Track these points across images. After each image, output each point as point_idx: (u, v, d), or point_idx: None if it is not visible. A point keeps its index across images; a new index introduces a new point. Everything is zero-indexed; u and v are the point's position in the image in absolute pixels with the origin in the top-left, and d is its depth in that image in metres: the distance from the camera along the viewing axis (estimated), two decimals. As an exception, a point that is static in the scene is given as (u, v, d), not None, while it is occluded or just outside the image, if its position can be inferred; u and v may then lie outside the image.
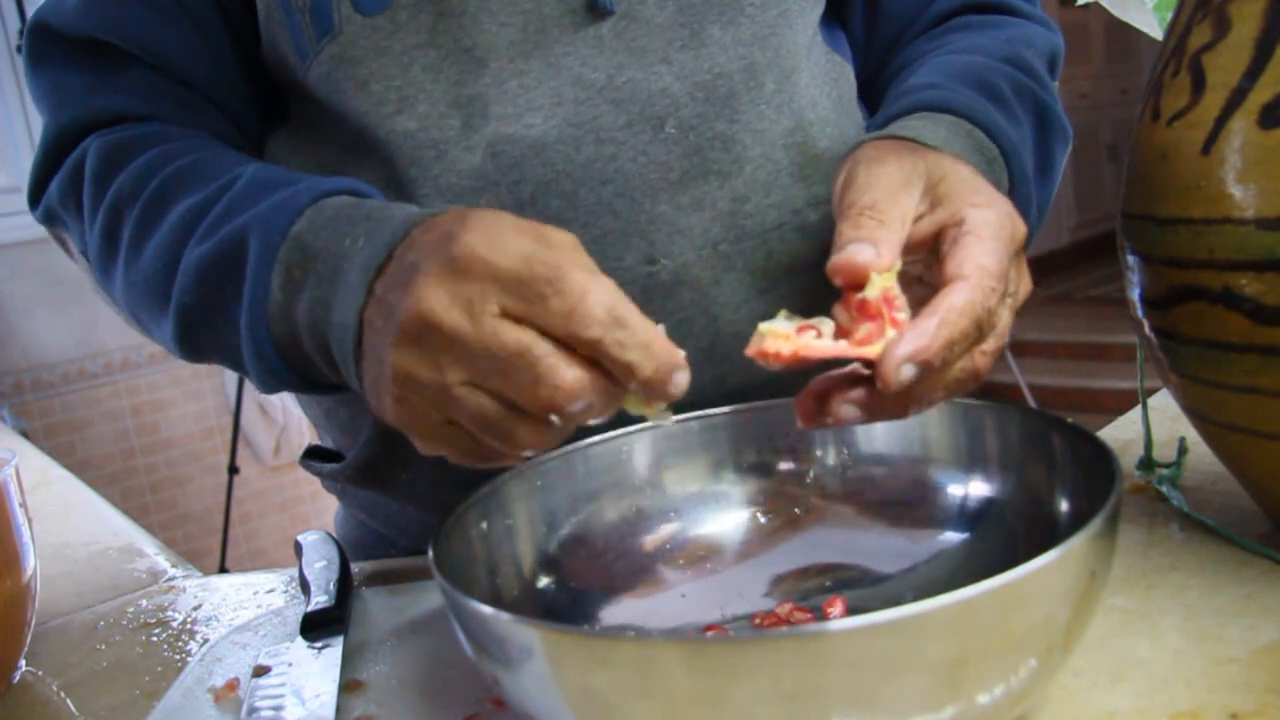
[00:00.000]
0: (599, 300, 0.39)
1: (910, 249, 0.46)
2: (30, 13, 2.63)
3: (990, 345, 0.44)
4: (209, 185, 0.57)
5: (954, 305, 0.41)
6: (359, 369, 0.47)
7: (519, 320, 0.40)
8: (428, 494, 0.67)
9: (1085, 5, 0.89)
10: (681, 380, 0.41)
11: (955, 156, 0.49)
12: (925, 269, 0.47)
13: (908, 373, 0.40)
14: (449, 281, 0.41)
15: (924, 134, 0.52)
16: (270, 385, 0.55)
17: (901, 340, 0.40)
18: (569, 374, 0.39)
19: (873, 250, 0.43)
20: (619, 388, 0.41)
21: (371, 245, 0.47)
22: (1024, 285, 0.47)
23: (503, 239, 0.41)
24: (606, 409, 0.41)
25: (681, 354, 0.41)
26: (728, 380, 0.62)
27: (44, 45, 0.64)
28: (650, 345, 0.40)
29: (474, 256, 0.41)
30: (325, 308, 0.49)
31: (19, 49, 2.68)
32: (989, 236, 0.44)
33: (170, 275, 0.56)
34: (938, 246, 0.45)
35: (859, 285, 0.43)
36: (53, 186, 0.64)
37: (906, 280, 0.47)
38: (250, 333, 0.52)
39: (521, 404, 0.40)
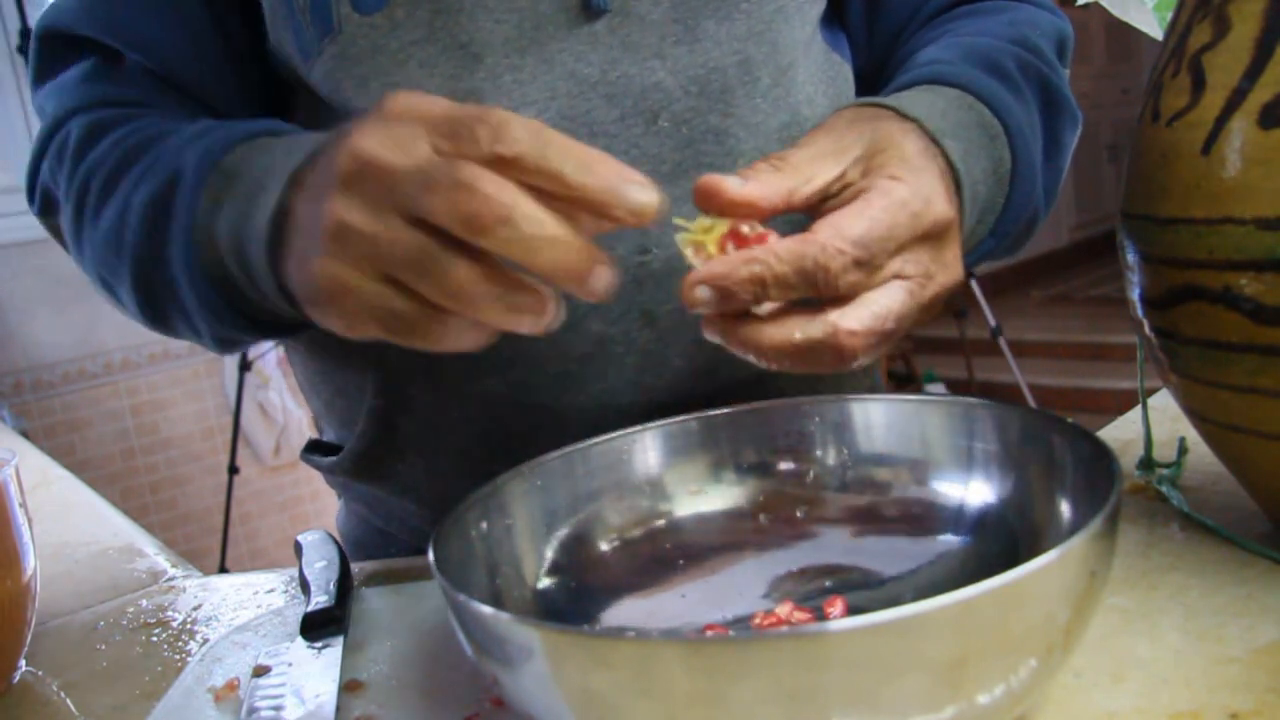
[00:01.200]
0: (522, 121, 0.39)
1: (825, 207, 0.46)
2: (31, 12, 2.65)
3: (855, 325, 0.43)
4: (161, 143, 0.58)
5: (776, 247, 0.42)
6: (278, 268, 0.47)
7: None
8: (425, 487, 0.68)
9: (1085, 5, 0.89)
10: (638, 195, 0.40)
11: (915, 131, 0.49)
12: None
13: (703, 294, 0.41)
14: (381, 126, 0.41)
15: (908, 104, 0.51)
16: (213, 324, 0.56)
17: (710, 262, 0.41)
18: (490, 183, 0.38)
19: (739, 183, 0.43)
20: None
21: (297, 153, 0.48)
22: (944, 275, 0.46)
23: (428, 97, 0.41)
24: (556, 241, 0.39)
25: (634, 178, 0.40)
26: (719, 372, 0.62)
27: (48, 50, 0.66)
28: (584, 161, 0.39)
29: (404, 107, 0.41)
30: (245, 218, 0.50)
31: (19, 49, 2.68)
32: (878, 206, 0.43)
33: (122, 230, 0.58)
34: None
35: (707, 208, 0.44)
36: (43, 168, 0.65)
37: None
38: (183, 260, 0.53)
39: (456, 224, 0.39)
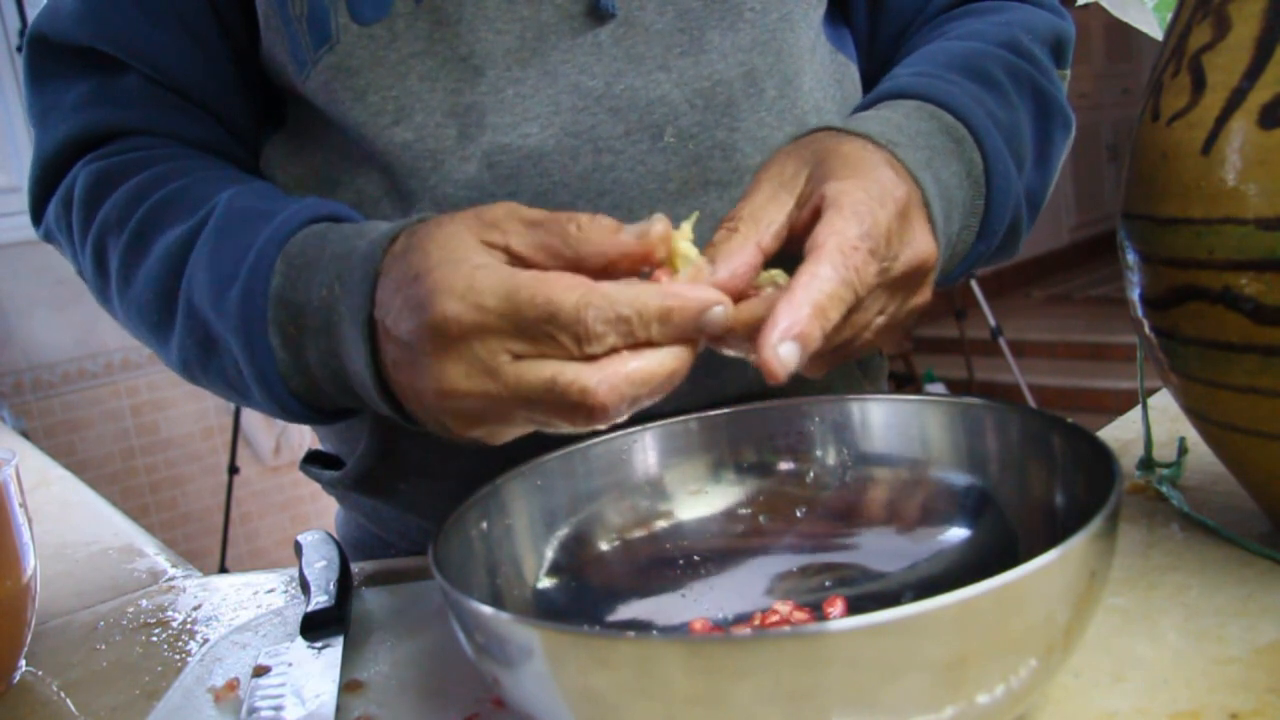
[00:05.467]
0: (599, 316, 0.39)
1: (795, 235, 0.46)
2: (30, 13, 2.65)
3: (882, 321, 0.45)
4: (190, 216, 0.58)
5: (818, 275, 0.41)
6: (399, 408, 0.48)
7: (537, 356, 0.41)
8: (427, 503, 0.67)
9: (1085, 5, 0.89)
10: (718, 315, 0.41)
11: (850, 137, 0.49)
12: None
13: (788, 352, 0.40)
14: (452, 353, 0.42)
15: (854, 124, 0.51)
16: (293, 420, 0.57)
17: (776, 321, 0.40)
18: (601, 390, 0.39)
19: (712, 273, 0.44)
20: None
21: (350, 297, 0.48)
22: (909, 252, 0.47)
23: (472, 286, 0.41)
24: (672, 373, 0.41)
25: (703, 295, 0.41)
26: (726, 390, 0.61)
27: (42, 57, 0.65)
28: (666, 316, 0.40)
29: (460, 323, 0.41)
30: (336, 358, 0.51)
31: (19, 49, 2.68)
32: (847, 204, 0.44)
33: (163, 308, 0.58)
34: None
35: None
36: (49, 209, 0.66)
37: None
38: (264, 388, 0.54)
39: (573, 428, 0.42)
